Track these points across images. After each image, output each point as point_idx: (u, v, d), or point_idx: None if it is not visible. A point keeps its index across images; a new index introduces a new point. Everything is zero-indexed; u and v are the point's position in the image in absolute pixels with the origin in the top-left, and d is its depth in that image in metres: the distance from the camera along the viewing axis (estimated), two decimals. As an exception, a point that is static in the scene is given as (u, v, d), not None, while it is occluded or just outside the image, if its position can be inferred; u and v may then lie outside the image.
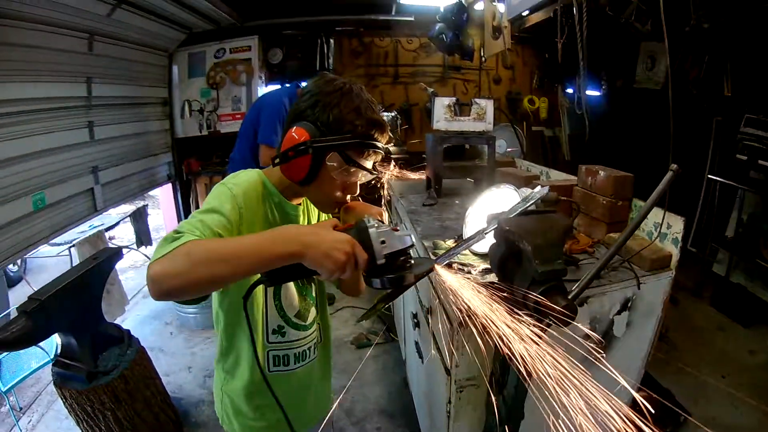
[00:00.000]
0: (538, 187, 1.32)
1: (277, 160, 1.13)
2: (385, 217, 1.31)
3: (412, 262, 1.04)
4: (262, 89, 4.99)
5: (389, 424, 2.85)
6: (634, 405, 1.87)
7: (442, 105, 2.97)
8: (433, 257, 1.46)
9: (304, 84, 4.76)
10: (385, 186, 3.67)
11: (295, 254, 0.89)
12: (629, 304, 1.67)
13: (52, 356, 2.44)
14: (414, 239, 2.31)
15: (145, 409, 2.58)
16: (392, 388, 3.13)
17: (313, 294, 1.38)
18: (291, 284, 1.28)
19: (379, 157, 1.19)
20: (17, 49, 2.62)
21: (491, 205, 1.82)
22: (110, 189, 3.81)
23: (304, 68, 5.13)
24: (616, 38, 3.98)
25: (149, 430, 2.58)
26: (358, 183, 1.21)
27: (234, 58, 4.96)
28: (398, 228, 1.02)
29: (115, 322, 3.30)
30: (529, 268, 1.12)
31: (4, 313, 2.93)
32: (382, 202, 3.69)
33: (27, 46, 2.68)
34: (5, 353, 2.63)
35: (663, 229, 1.76)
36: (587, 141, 3.03)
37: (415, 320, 2.22)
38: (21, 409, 3.00)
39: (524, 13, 3.38)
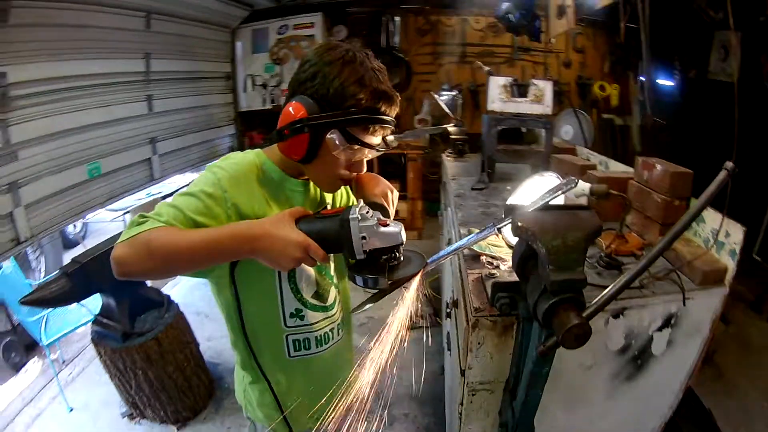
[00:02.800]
0: (573, 178, 1.11)
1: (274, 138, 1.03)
2: (395, 196, 1.18)
3: (400, 261, 0.95)
4: (326, 65, 4.95)
5: (417, 411, 2.75)
6: (668, 424, 1.65)
7: (497, 85, 2.74)
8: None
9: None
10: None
11: (244, 254, 0.92)
12: (672, 321, 1.42)
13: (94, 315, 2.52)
14: (454, 225, 2.18)
15: (177, 371, 2.62)
16: (428, 375, 2.99)
17: (332, 273, 1.27)
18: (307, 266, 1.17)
19: (388, 131, 1.07)
20: (77, 29, 2.69)
21: (533, 194, 1.65)
22: (168, 159, 3.88)
23: (369, 46, 5.02)
24: (690, 26, 3.52)
25: (178, 392, 2.63)
26: (365, 160, 1.09)
27: (297, 35, 4.91)
28: (389, 222, 0.92)
29: (165, 286, 3.42)
30: (542, 274, 0.95)
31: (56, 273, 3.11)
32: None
33: (86, 26, 2.75)
34: (50, 310, 2.77)
35: (720, 237, 1.49)
36: (650, 130, 2.70)
37: (448, 310, 2.09)
38: (64, 362, 3.17)
39: None
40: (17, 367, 3.20)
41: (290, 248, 0.89)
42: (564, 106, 4.99)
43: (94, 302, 2.63)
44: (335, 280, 1.28)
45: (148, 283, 2.86)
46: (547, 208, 1.03)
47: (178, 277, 4.21)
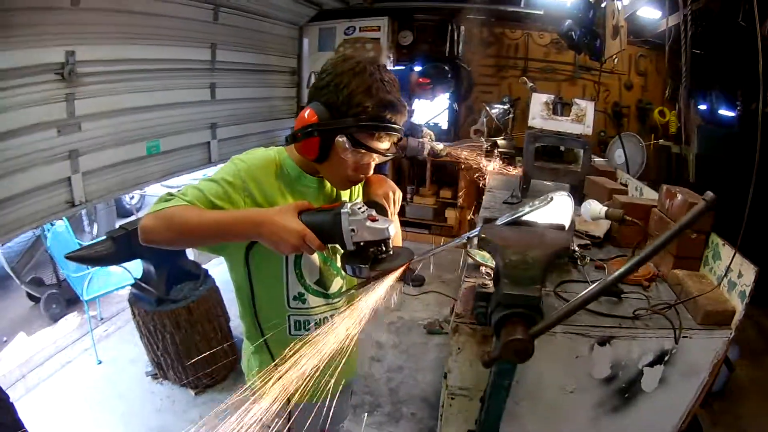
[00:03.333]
0: (551, 195, 1.09)
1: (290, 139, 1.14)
2: (397, 197, 1.24)
3: (388, 254, 1.01)
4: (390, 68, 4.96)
5: (425, 412, 2.73)
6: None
7: (539, 102, 2.71)
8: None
9: (417, 68, 4.69)
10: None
11: (251, 237, 1.04)
12: (666, 358, 1.33)
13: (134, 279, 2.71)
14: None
15: (203, 341, 2.75)
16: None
17: (338, 264, 1.32)
18: (314, 254, 1.26)
19: (395, 138, 1.13)
20: (146, 16, 2.87)
21: (546, 213, 1.62)
22: (227, 145, 4.02)
23: (434, 53, 5.05)
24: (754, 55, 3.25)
25: (202, 359, 2.71)
26: (372, 163, 1.16)
27: (363, 37, 4.91)
28: (378, 218, 0.98)
29: (209, 262, 3.58)
30: (500, 287, 0.93)
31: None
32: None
33: (154, 14, 2.92)
34: (96, 268, 3.00)
35: (734, 277, 1.37)
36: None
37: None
38: (102, 319, 3.40)
39: (638, 12, 2.91)
40: (56, 318, 3.46)
41: (289, 235, 0.96)
42: (622, 129, 4.77)
43: (137, 267, 2.83)
44: (343, 272, 1.33)
45: (190, 256, 3.01)
46: (519, 223, 1.02)
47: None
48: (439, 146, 3.71)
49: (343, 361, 1.32)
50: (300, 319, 1.28)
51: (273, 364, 1.20)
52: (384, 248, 1.00)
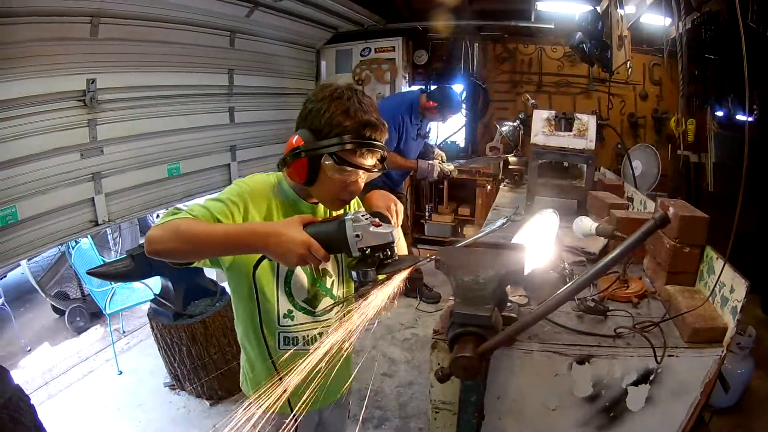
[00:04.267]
0: (501, 220, 1.07)
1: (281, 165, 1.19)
2: (399, 208, 1.26)
3: (393, 258, 1.02)
4: (406, 88, 5.01)
5: (435, 428, 2.68)
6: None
7: (540, 118, 2.66)
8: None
9: (433, 87, 4.70)
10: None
11: (258, 249, 1.02)
12: (651, 377, 1.26)
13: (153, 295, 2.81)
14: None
15: (218, 353, 2.81)
16: (456, 395, 2.95)
17: (327, 286, 1.37)
18: (302, 273, 1.30)
19: (378, 155, 1.17)
20: (163, 45, 2.98)
21: (535, 231, 1.59)
22: (247, 166, 4.12)
23: (449, 71, 5.09)
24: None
25: (216, 370, 2.80)
26: (359, 181, 1.20)
27: (379, 57, 5.01)
28: (381, 224, 1.00)
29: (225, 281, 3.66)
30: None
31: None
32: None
33: (171, 42, 3.03)
34: (118, 284, 3.10)
35: (726, 293, 1.29)
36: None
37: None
38: (124, 332, 3.51)
39: (641, 20, 2.82)
40: (80, 331, 3.60)
41: (295, 246, 0.98)
42: (639, 140, 4.63)
43: (157, 284, 2.92)
44: (334, 293, 1.38)
45: (207, 274, 3.08)
46: (477, 245, 1.01)
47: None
48: (449, 167, 3.67)
49: (334, 372, 1.32)
50: (288, 336, 1.31)
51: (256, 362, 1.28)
52: (389, 252, 1.01)
